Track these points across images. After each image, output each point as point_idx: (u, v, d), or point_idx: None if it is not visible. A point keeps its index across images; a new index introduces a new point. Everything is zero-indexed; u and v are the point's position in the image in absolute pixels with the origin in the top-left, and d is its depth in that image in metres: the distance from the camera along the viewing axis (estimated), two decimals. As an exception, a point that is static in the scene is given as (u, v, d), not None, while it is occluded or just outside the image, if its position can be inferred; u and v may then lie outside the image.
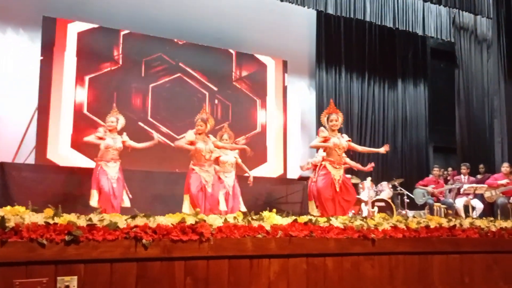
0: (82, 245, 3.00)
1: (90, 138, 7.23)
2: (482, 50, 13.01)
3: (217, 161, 7.53)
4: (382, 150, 7.05)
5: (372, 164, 8.23)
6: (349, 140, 6.78)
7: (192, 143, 6.94)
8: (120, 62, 9.88)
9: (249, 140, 10.85)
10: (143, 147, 7.48)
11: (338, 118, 6.71)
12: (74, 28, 9.48)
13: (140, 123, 9.85)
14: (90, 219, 3.14)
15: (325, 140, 6.61)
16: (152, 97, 10.12)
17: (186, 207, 6.67)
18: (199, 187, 6.77)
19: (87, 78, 9.53)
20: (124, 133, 7.37)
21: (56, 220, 3.02)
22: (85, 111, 9.41)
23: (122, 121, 7.40)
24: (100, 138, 7.13)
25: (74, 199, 7.50)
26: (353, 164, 8.45)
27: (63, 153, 9.04)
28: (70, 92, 9.35)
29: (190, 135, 7.02)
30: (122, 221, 3.19)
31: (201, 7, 10.68)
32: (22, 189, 7.54)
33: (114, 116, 7.34)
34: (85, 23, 9.57)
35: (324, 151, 6.80)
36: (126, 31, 9.98)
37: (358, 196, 9.86)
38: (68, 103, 9.30)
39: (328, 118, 6.71)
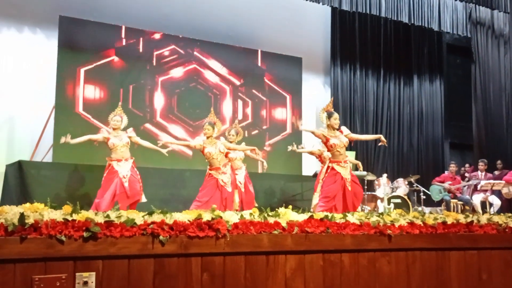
0: (100, 241, 3.02)
1: (94, 137, 7.23)
2: (499, 45, 12.87)
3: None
4: (382, 138, 7.01)
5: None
6: (347, 135, 6.76)
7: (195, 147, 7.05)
8: (135, 61, 9.92)
9: (263, 135, 10.88)
10: (149, 147, 7.41)
11: (337, 117, 6.75)
12: (88, 28, 9.53)
13: (146, 125, 9.90)
14: (107, 216, 3.16)
15: (326, 140, 6.63)
16: (165, 93, 10.15)
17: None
18: (211, 192, 6.81)
19: (95, 73, 9.58)
20: (130, 129, 7.33)
21: (75, 216, 3.04)
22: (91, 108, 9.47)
23: (125, 121, 7.34)
24: (104, 138, 7.13)
25: (91, 196, 7.57)
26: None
27: (79, 151, 9.10)
28: (82, 90, 9.43)
29: (197, 140, 7.08)
30: (139, 218, 3.21)
31: (214, 5, 10.72)
32: (40, 187, 7.64)
33: (119, 115, 7.28)
34: (99, 22, 9.63)
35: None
36: (139, 28, 10.02)
37: (374, 193, 9.84)
38: (81, 102, 9.37)
39: (331, 116, 6.68)
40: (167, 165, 9.01)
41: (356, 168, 7.89)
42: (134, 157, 7.21)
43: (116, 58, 9.78)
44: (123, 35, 9.89)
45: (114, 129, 7.19)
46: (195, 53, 10.52)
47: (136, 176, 7.04)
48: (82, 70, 9.43)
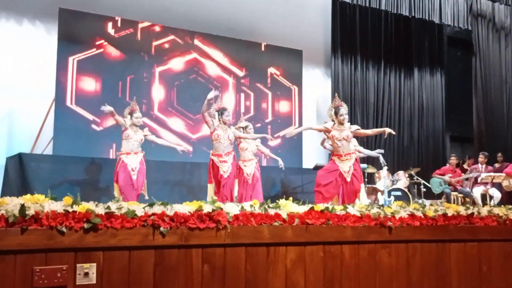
0: (101, 232, 3.03)
1: (118, 118, 7.27)
2: (500, 38, 12.84)
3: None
4: (388, 130, 7.03)
5: (381, 151, 8.38)
6: (357, 129, 6.80)
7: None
8: (133, 52, 9.90)
9: (265, 129, 10.88)
10: (165, 144, 7.62)
11: (345, 111, 6.74)
12: (87, 20, 9.49)
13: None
14: (108, 207, 3.16)
15: (328, 132, 6.69)
16: (165, 85, 10.13)
17: (210, 195, 6.79)
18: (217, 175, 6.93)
19: (97, 68, 9.57)
20: (146, 128, 7.50)
21: (75, 208, 3.04)
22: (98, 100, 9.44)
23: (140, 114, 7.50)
24: (124, 127, 7.22)
25: (91, 188, 7.58)
26: (366, 152, 8.55)
27: (78, 143, 9.10)
28: (82, 83, 9.41)
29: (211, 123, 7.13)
30: (140, 209, 3.21)
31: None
32: (41, 179, 7.67)
33: (139, 111, 7.41)
34: (98, 14, 9.60)
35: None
36: (141, 22, 10.00)
37: (374, 186, 9.84)
38: (80, 94, 9.36)
39: (337, 113, 6.71)
40: (168, 158, 9.02)
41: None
42: (144, 151, 7.30)
43: (113, 50, 9.74)
44: (120, 26, 9.83)
45: (136, 126, 7.30)
46: (196, 42, 10.46)
47: (143, 171, 7.15)
48: (79, 62, 9.38)
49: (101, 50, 9.64)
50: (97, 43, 9.59)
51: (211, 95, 6.86)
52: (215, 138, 7.02)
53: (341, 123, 6.67)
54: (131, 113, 7.39)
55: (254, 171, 7.69)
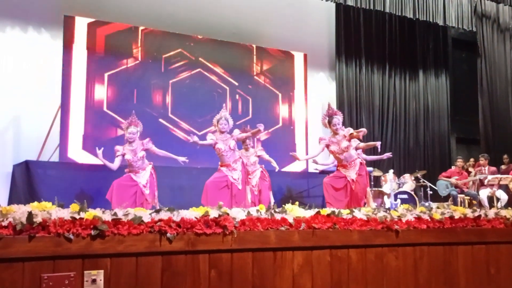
0: (108, 239, 3.04)
1: (116, 160, 7.15)
2: (505, 39, 12.81)
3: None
4: (378, 144, 7.04)
5: (389, 155, 8.34)
6: (351, 134, 6.66)
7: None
8: (139, 59, 9.93)
9: (270, 135, 10.87)
10: (166, 155, 7.41)
11: (339, 121, 6.69)
12: (94, 26, 9.53)
13: (160, 120, 9.91)
14: (115, 214, 3.17)
15: (327, 147, 6.68)
16: (172, 93, 10.16)
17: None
18: (221, 183, 6.87)
19: (106, 75, 9.58)
20: (147, 139, 7.27)
21: (82, 215, 3.06)
22: (104, 108, 9.48)
23: (140, 129, 7.33)
24: (122, 155, 7.11)
25: (98, 195, 7.59)
26: (370, 158, 8.55)
27: (85, 151, 9.12)
28: (90, 90, 9.43)
29: (209, 138, 7.10)
30: (146, 215, 3.23)
31: (218, 2, 10.69)
32: (47, 186, 7.68)
33: (134, 127, 7.22)
34: (104, 20, 9.64)
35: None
36: (145, 28, 10.03)
37: (380, 189, 9.82)
38: (88, 101, 9.39)
39: (330, 122, 6.68)
40: (173, 163, 9.03)
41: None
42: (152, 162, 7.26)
43: (125, 59, 9.78)
44: (130, 35, 9.88)
45: (130, 142, 7.15)
46: (200, 59, 10.48)
47: (154, 183, 7.13)
48: (86, 69, 9.40)
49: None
50: (102, 48, 9.60)
51: (194, 139, 6.88)
52: (218, 152, 6.98)
53: (335, 133, 6.63)
54: (127, 127, 7.24)
55: (258, 181, 7.72)
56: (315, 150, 7.12)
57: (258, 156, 8.21)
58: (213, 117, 7.26)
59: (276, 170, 8.36)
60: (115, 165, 7.11)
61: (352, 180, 6.47)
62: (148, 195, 6.97)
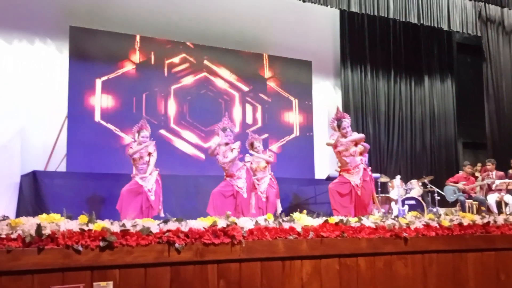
0: (117, 250, 3.04)
1: (135, 151, 7.20)
2: (510, 42, 12.78)
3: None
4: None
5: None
6: (352, 141, 6.69)
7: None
8: (143, 67, 9.95)
9: (279, 142, 10.90)
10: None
11: (348, 124, 6.72)
12: (97, 36, 9.57)
13: (162, 131, 9.94)
14: (123, 225, 3.18)
15: (334, 147, 6.68)
16: (176, 100, 10.17)
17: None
18: (227, 193, 6.91)
19: (108, 83, 9.60)
20: (152, 143, 7.31)
21: (91, 226, 3.07)
22: (106, 117, 9.50)
23: (148, 134, 7.41)
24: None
25: (106, 204, 7.60)
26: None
27: (92, 160, 9.13)
28: (95, 99, 9.47)
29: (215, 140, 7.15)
30: (154, 226, 3.23)
31: (222, 10, 10.71)
32: (55, 196, 7.69)
33: (146, 130, 7.32)
34: (107, 30, 9.67)
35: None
36: (148, 36, 10.05)
37: (388, 195, 9.79)
38: (93, 110, 9.42)
39: (340, 125, 6.69)
40: (180, 171, 9.05)
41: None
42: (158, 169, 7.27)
43: (129, 68, 9.80)
44: (134, 44, 9.91)
45: (140, 143, 7.22)
46: (205, 61, 10.51)
47: (159, 190, 7.14)
48: (97, 80, 9.44)
49: (117, 68, 9.67)
50: (111, 60, 9.64)
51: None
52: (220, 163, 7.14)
53: (344, 136, 6.64)
54: (139, 131, 7.32)
55: (267, 188, 7.73)
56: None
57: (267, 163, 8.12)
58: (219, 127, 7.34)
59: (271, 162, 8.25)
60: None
61: (357, 185, 6.46)
62: (153, 201, 6.97)
